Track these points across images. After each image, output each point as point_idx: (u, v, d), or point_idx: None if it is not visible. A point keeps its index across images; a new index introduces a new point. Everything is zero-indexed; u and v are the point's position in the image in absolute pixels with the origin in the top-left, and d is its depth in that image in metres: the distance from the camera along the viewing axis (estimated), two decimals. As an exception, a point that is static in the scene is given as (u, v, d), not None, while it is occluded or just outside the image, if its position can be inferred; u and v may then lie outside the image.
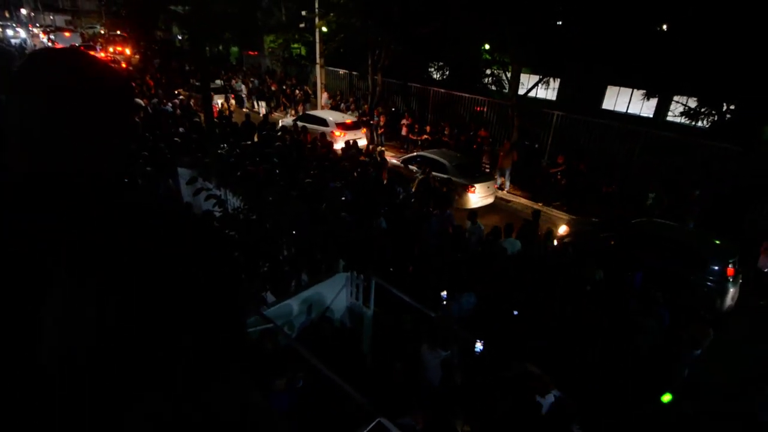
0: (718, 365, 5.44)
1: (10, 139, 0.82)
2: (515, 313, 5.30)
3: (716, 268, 6.93)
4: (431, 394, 4.14)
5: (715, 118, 12.08)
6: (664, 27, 12.36)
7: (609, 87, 19.34)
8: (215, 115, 14.18)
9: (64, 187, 0.59)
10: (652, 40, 11.95)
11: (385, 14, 15.39)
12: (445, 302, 5.78)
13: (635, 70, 13.09)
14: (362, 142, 14.64)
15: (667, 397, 4.73)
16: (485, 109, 16.37)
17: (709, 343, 4.78)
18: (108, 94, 0.85)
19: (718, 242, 7.48)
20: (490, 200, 11.41)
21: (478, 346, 4.49)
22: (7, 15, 47.55)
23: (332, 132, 14.46)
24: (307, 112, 16.46)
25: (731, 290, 6.91)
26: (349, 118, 15.80)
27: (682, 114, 12.75)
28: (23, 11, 50.08)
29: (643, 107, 16.98)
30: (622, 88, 18.70)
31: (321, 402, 3.32)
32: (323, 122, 14.97)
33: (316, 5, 17.55)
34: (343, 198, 8.30)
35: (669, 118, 16.37)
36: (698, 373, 4.95)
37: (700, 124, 12.68)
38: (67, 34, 35.65)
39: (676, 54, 11.11)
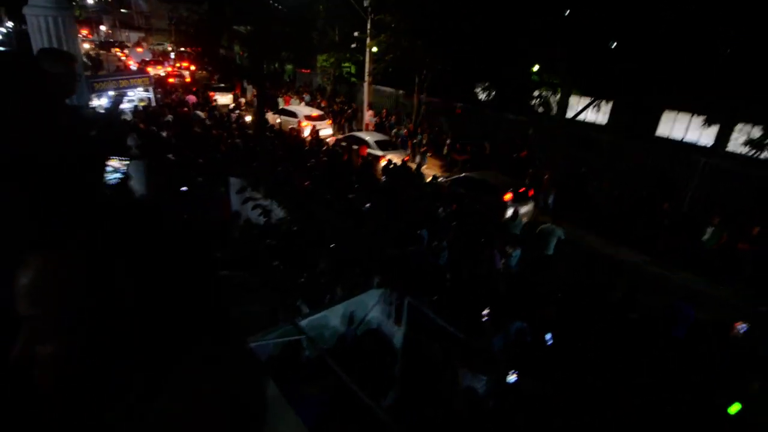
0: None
1: None
2: (550, 341, 5.13)
3: (499, 193, 10.93)
4: (462, 419, 4.09)
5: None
6: (727, 50, 11.75)
7: (666, 112, 18.48)
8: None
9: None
10: (714, 63, 11.38)
11: (435, 36, 15.65)
12: (484, 320, 5.68)
13: (695, 95, 12.49)
14: (326, 132, 17.76)
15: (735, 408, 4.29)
16: (459, 111, 18.13)
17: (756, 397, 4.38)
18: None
19: (503, 179, 11.75)
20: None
21: (512, 377, 4.38)
22: (89, 34, 52.29)
23: (299, 122, 17.60)
24: (281, 108, 19.81)
25: (510, 209, 10.37)
26: (315, 112, 19.11)
27: (745, 143, 11.98)
28: (102, 28, 55.00)
29: (702, 135, 16.07)
30: (680, 113, 17.80)
31: (345, 416, 3.38)
32: (293, 114, 18.36)
33: (368, 26, 18.13)
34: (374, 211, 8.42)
35: (730, 149, 15.39)
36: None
37: (765, 155, 11.85)
38: (139, 49, 38.83)
39: (740, 79, 10.52)
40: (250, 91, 23.87)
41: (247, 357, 0.68)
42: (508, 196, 10.76)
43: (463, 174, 12.38)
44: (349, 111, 20.99)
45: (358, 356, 4.28)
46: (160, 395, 0.55)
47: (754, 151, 11.85)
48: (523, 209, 10.96)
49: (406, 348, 4.83)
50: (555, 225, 9.06)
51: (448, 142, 16.24)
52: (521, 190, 11.28)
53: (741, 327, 7.03)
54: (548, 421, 3.89)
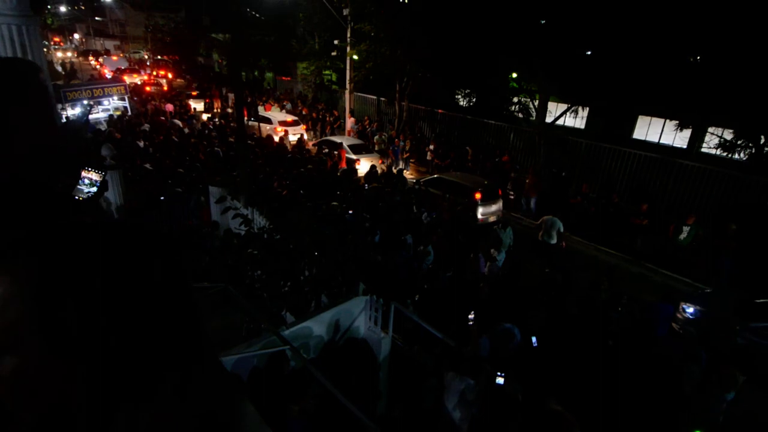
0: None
1: None
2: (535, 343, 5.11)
3: (470, 193, 11.35)
4: (451, 424, 4.02)
5: (753, 151, 11.65)
6: (698, 57, 12.15)
7: (640, 117, 18.99)
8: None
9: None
10: (685, 70, 11.74)
11: (414, 44, 15.78)
12: (471, 322, 5.64)
13: (667, 100, 12.84)
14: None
15: None
16: (441, 111, 18.40)
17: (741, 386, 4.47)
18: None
19: (474, 179, 12.24)
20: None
21: (499, 380, 4.35)
22: (61, 42, 51.09)
23: (275, 128, 18.07)
24: (259, 114, 20.05)
25: (481, 208, 11.21)
26: (290, 118, 19.48)
27: (717, 146, 12.36)
28: (76, 36, 53.83)
29: (677, 138, 16.55)
30: (654, 118, 18.31)
31: (333, 427, 3.29)
32: (269, 121, 18.79)
33: (348, 35, 18.17)
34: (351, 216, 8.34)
35: (704, 150, 15.88)
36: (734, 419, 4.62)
37: (736, 156, 12.24)
38: (114, 57, 38.12)
39: (711, 84, 10.86)
40: (231, 99, 23.63)
41: (221, 376, 0.61)
42: (478, 196, 11.32)
43: (436, 175, 12.87)
44: (331, 118, 20.92)
45: (341, 367, 4.19)
46: (119, 420, 0.49)
47: (726, 153, 12.22)
48: (493, 208, 11.60)
49: (393, 355, 4.75)
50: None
51: (431, 148, 16.32)
52: (491, 190, 11.79)
53: (685, 306, 7.23)
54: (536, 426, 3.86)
